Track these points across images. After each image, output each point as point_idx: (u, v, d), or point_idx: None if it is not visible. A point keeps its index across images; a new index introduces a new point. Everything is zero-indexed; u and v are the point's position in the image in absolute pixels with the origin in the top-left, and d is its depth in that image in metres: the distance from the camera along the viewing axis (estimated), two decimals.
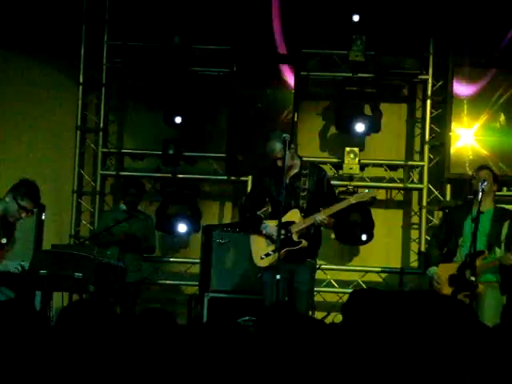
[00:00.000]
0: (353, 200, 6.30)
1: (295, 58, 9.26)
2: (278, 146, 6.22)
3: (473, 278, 6.26)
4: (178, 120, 9.14)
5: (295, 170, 6.34)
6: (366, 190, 6.67)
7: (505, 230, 6.54)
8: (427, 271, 6.76)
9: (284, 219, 6.20)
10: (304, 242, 6.19)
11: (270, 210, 6.59)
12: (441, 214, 9.36)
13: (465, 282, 6.32)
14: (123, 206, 8.46)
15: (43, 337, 3.66)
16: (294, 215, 6.25)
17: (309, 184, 6.29)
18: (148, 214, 8.90)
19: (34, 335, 3.60)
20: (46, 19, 9.33)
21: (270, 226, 6.22)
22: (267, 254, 6.20)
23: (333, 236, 9.14)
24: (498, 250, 6.51)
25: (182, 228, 9.23)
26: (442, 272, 6.60)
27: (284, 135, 6.27)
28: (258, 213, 6.53)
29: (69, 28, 9.38)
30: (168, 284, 9.48)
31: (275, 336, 3.69)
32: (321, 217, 6.11)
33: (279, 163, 6.19)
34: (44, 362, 3.44)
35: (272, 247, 6.21)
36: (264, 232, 6.24)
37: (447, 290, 6.47)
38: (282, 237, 6.12)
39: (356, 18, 8.95)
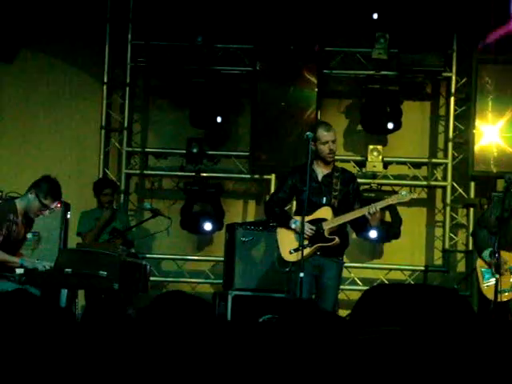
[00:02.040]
0: (391, 201, 6.31)
1: (318, 56, 9.26)
2: (332, 135, 6.30)
3: None
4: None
5: (328, 170, 6.37)
6: (404, 193, 6.60)
7: None
8: (485, 254, 6.28)
9: (316, 215, 6.23)
10: (337, 239, 6.20)
11: (294, 207, 6.61)
12: (465, 211, 9.33)
13: None
14: (148, 205, 8.50)
15: (69, 334, 3.70)
16: (325, 212, 6.26)
17: (340, 186, 6.31)
18: (121, 209, 8.92)
19: (60, 333, 3.64)
20: (71, 19, 9.41)
21: (300, 221, 6.22)
22: (297, 249, 6.19)
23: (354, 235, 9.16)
24: None
25: (206, 226, 9.27)
26: (504, 259, 6.14)
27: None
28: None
29: (93, 28, 9.46)
30: (192, 282, 9.53)
31: (297, 333, 3.70)
32: (372, 210, 6.05)
33: (325, 149, 6.21)
34: (69, 359, 3.47)
35: (304, 242, 6.19)
36: (294, 227, 6.23)
37: (508, 279, 6.13)
38: (314, 233, 6.14)
39: (375, 15, 8.93)
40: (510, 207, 6.26)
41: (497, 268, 6.01)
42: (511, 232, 6.24)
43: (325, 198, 6.27)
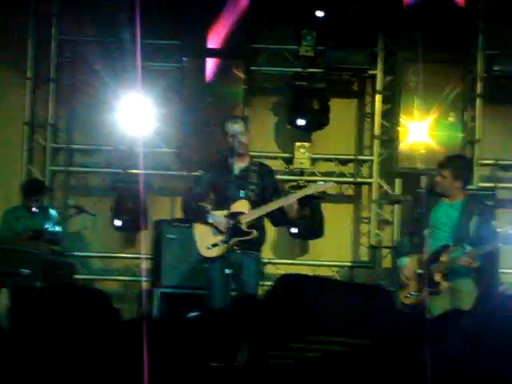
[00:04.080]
0: (308, 191, 6.23)
1: (245, 53, 9.27)
2: (239, 126, 6.18)
3: (437, 276, 6.07)
4: (123, 115, 9.06)
5: (245, 164, 6.24)
6: (321, 182, 6.51)
7: (473, 226, 6.19)
8: (398, 261, 6.40)
9: (232, 209, 6.09)
10: (255, 232, 6.08)
11: (210, 204, 6.48)
12: (390, 207, 9.46)
13: (429, 279, 6.07)
14: (72, 201, 8.38)
15: None
16: (242, 206, 6.13)
17: (257, 179, 6.21)
18: (48, 207, 8.80)
19: None
20: None
21: (218, 215, 6.12)
22: (214, 245, 6.10)
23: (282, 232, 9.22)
24: (467, 246, 6.14)
25: (133, 224, 9.20)
26: (412, 265, 6.20)
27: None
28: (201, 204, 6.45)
29: (16, 22, 9.27)
30: (120, 279, 9.45)
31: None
32: (288, 201, 5.96)
33: (235, 143, 6.11)
34: None
35: (219, 237, 6.09)
36: (211, 221, 6.11)
37: (414, 286, 6.17)
38: (231, 226, 6.03)
39: (320, 13, 8.88)
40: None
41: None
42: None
43: (241, 192, 6.12)
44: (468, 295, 6.11)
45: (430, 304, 6.00)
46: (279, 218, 6.17)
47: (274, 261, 9.21)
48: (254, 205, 6.13)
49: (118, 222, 9.16)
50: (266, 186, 6.24)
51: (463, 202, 6.29)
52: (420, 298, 6.11)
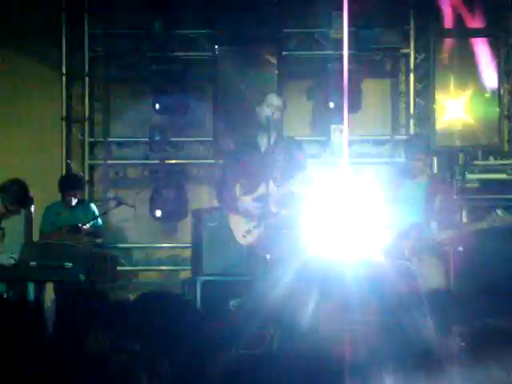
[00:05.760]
0: None
1: (276, 38, 9.25)
2: (280, 101, 6.17)
3: (406, 251, 6.24)
4: (158, 106, 9.15)
5: (272, 141, 6.14)
6: None
7: (436, 205, 6.43)
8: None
9: (259, 191, 6.05)
10: (283, 213, 6.03)
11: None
12: None
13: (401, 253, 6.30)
14: (110, 194, 8.47)
15: (38, 326, 3.69)
16: (269, 187, 6.03)
17: (284, 154, 6.12)
18: (86, 200, 8.87)
19: (30, 326, 3.63)
20: (26, 10, 9.31)
21: (244, 201, 6.08)
22: (248, 231, 6.10)
23: None
24: (432, 223, 6.41)
25: (173, 213, 9.28)
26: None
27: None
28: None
29: (49, 18, 9.37)
30: (160, 269, 9.53)
31: None
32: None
33: (266, 111, 6.06)
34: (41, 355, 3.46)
35: (252, 223, 6.10)
36: (239, 209, 6.11)
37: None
38: (260, 210, 6.01)
39: None
40: None
41: None
42: None
43: (267, 172, 6.03)
44: (435, 274, 6.34)
45: None
46: None
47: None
48: (280, 183, 6.01)
49: (157, 213, 9.25)
50: (292, 159, 6.11)
51: (427, 181, 6.54)
52: None
